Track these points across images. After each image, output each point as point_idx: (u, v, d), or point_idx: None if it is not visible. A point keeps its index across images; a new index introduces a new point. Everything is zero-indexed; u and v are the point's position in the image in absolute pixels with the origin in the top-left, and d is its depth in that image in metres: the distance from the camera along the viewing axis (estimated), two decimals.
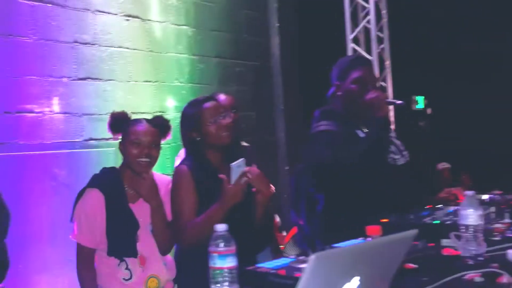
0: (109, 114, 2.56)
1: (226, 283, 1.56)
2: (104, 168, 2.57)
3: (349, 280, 1.18)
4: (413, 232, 1.28)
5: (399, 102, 2.78)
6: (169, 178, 2.60)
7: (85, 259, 2.46)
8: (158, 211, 2.44)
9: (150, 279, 2.47)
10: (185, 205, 2.42)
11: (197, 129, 2.51)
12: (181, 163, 2.53)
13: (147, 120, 2.55)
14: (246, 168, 2.38)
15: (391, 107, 3.16)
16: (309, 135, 2.75)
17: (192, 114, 2.55)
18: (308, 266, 1.08)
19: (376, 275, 1.23)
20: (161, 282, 2.50)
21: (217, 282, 1.57)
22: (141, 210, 2.48)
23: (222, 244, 1.57)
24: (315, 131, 2.71)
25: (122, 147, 2.49)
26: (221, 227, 1.60)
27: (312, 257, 1.08)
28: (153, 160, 2.47)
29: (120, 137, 2.52)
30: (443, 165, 6.58)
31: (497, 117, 6.76)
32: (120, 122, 2.53)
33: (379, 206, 2.45)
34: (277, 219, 3.78)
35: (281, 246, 3.80)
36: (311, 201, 2.80)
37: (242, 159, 2.39)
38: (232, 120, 2.99)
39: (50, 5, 3.67)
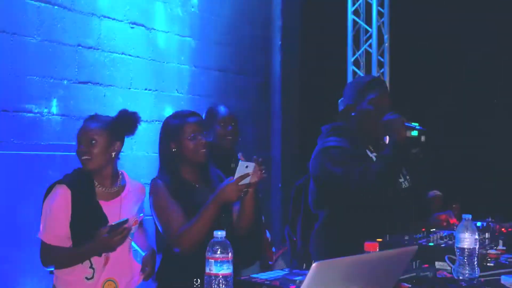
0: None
1: None
2: (76, 168, 2.57)
3: None
4: (413, 247, 1.28)
5: (420, 127, 2.62)
6: (142, 184, 2.69)
7: (48, 257, 2.43)
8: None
9: (107, 283, 2.45)
10: (173, 212, 2.40)
11: (176, 141, 2.51)
12: (155, 178, 2.52)
13: (98, 117, 2.58)
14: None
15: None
16: (318, 150, 2.67)
17: (174, 125, 2.54)
18: (309, 273, 1.08)
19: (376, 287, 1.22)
20: (118, 287, 2.48)
21: None
22: (112, 209, 2.48)
23: (219, 251, 1.56)
24: (325, 146, 2.65)
25: None
26: (219, 234, 1.60)
27: (314, 264, 1.07)
28: (93, 156, 2.48)
29: None
30: (435, 193, 6.59)
31: (492, 148, 6.80)
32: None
33: (380, 226, 2.43)
34: (268, 235, 3.77)
35: (271, 263, 3.78)
36: (309, 217, 2.77)
37: (253, 163, 2.32)
38: (232, 133, 2.97)
39: (57, 7, 3.69)
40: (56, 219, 2.41)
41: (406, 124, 2.58)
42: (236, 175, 2.28)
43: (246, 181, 2.29)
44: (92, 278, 2.42)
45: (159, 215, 2.44)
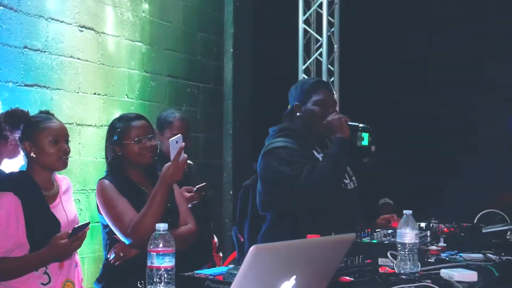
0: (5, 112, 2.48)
1: (162, 284, 1.54)
2: (13, 172, 2.47)
3: (288, 279, 1.18)
4: (351, 235, 1.31)
5: (363, 125, 2.73)
6: (65, 176, 2.61)
7: None
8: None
9: (66, 283, 2.40)
10: (124, 206, 2.40)
11: (120, 145, 2.51)
12: (102, 179, 2.52)
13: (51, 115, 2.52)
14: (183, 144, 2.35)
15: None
16: (265, 150, 2.70)
17: (118, 129, 2.55)
18: (247, 257, 1.08)
19: (313, 275, 1.24)
20: (75, 287, 2.44)
21: (153, 282, 1.54)
22: (58, 211, 2.43)
23: (161, 244, 1.55)
24: (272, 146, 2.69)
25: (35, 149, 2.41)
26: (161, 226, 1.59)
27: (252, 248, 1.08)
28: (68, 156, 2.45)
29: (19, 136, 2.44)
30: (385, 200, 6.72)
31: (440, 155, 6.96)
32: (21, 120, 2.45)
33: (327, 227, 2.46)
34: (215, 239, 3.77)
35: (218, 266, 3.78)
36: (256, 218, 2.80)
37: (179, 134, 2.38)
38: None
39: (2, 7, 3.60)
40: (5, 230, 2.29)
41: (349, 123, 2.66)
42: (172, 154, 2.31)
43: (183, 156, 2.33)
44: (49, 282, 2.35)
45: (109, 211, 2.41)
